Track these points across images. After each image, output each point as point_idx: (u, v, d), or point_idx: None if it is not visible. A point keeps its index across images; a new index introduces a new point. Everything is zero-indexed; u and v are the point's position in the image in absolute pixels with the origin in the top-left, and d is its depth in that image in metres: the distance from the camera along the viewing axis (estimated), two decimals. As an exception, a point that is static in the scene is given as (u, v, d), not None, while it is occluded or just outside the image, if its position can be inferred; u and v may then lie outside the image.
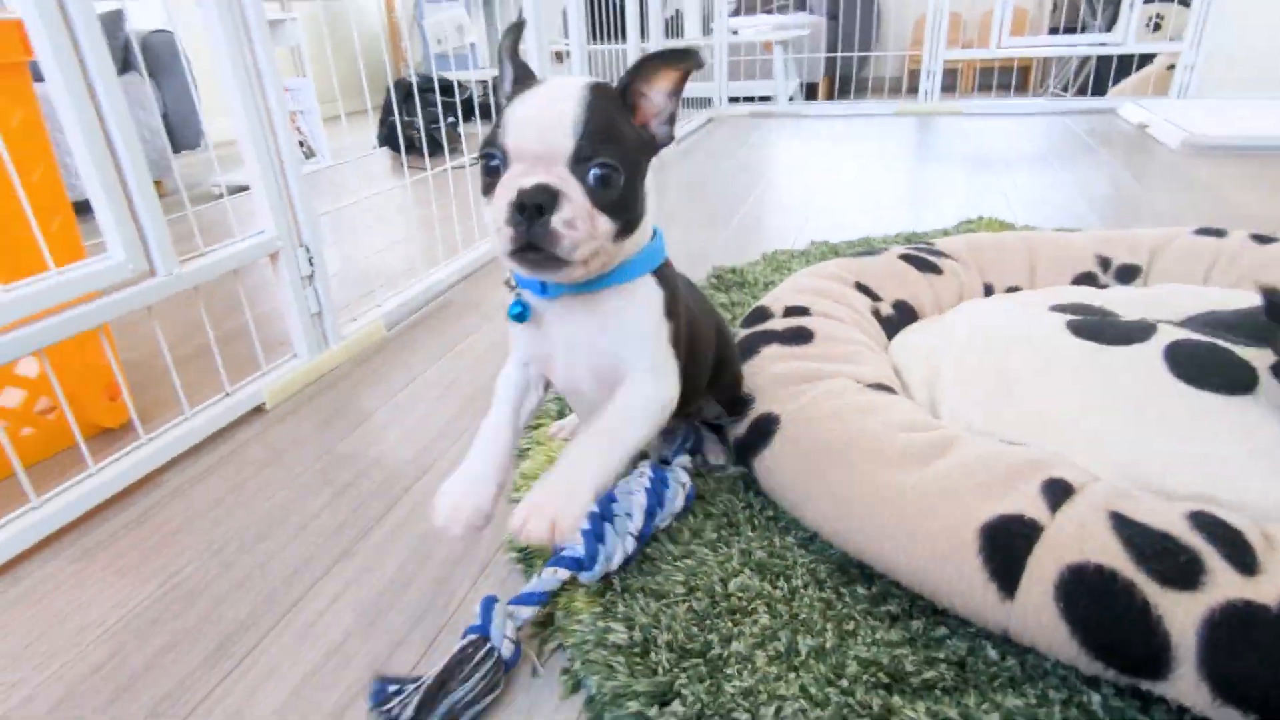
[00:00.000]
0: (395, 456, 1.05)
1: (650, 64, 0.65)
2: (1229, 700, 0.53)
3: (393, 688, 0.65)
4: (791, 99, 4.33)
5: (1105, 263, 1.25)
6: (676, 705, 0.61)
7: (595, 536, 0.74)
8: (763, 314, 1.09)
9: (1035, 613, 0.60)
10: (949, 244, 1.31)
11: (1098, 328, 0.89)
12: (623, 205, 0.63)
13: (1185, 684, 0.55)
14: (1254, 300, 0.82)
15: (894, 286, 1.18)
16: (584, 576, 0.74)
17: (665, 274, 0.73)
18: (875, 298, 1.16)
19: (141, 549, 0.89)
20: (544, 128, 0.61)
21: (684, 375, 0.73)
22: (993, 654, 0.64)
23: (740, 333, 1.06)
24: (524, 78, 0.68)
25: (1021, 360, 0.88)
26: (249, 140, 1.14)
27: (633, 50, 2.99)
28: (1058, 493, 0.67)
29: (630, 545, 0.75)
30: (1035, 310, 0.98)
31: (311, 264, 1.25)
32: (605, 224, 0.62)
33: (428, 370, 1.30)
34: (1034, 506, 0.66)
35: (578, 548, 0.73)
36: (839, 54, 4.56)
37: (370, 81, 1.68)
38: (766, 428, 0.85)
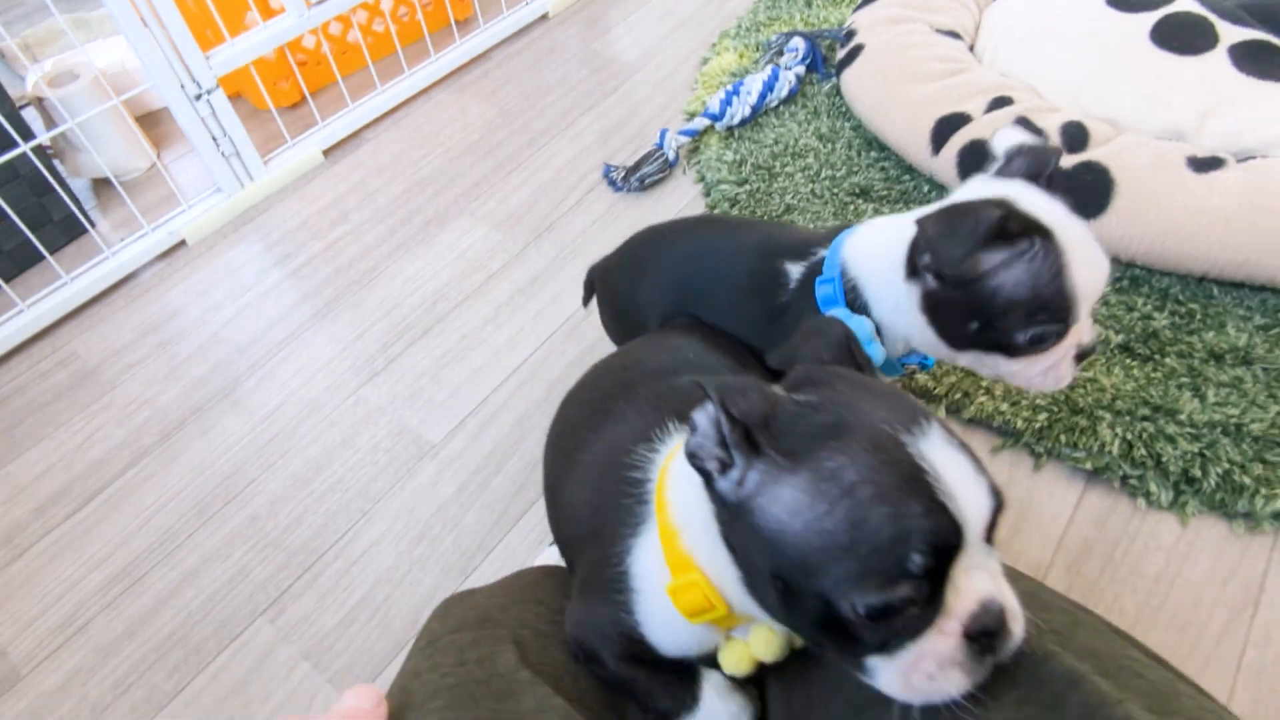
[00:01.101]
0: (627, 55, 1.62)
1: None
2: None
3: (612, 168, 1.30)
4: None
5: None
6: (745, 189, 1.21)
7: (726, 103, 1.29)
8: (897, -30, 1.43)
9: (946, 163, 1.09)
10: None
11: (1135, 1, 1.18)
12: None
13: (999, 201, 1.04)
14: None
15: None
16: (718, 126, 1.31)
17: None
18: (1001, -38, 1.43)
19: (485, 91, 1.58)
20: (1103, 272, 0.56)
21: None
22: (925, 188, 1.15)
23: (874, -15, 1.43)
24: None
25: (1055, 20, 1.21)
26: None
27: None
28: (998, 103, 1.10)
29: (747, 111, 1.29)
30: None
31: (582, -95, 1.72)
32: None
33: (656, -2, 1.80)
34: (977, 109, 1.10)
35: (716, 109, 1.29)
36: None
37: None
38: (855, 52, 1.29)
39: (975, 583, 0.37)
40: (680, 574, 0.43)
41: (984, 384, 0.93)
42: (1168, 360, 0.91)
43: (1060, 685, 0.36)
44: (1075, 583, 0.79)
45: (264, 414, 1.07)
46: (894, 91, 1.19)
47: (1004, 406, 0.90)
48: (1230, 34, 1.08)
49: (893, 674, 0.37)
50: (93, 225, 1.36)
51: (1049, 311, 0.55)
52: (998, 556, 0.39)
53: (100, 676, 0.84)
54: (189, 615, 0.88)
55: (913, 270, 0.62)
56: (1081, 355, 0.60)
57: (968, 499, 0.36)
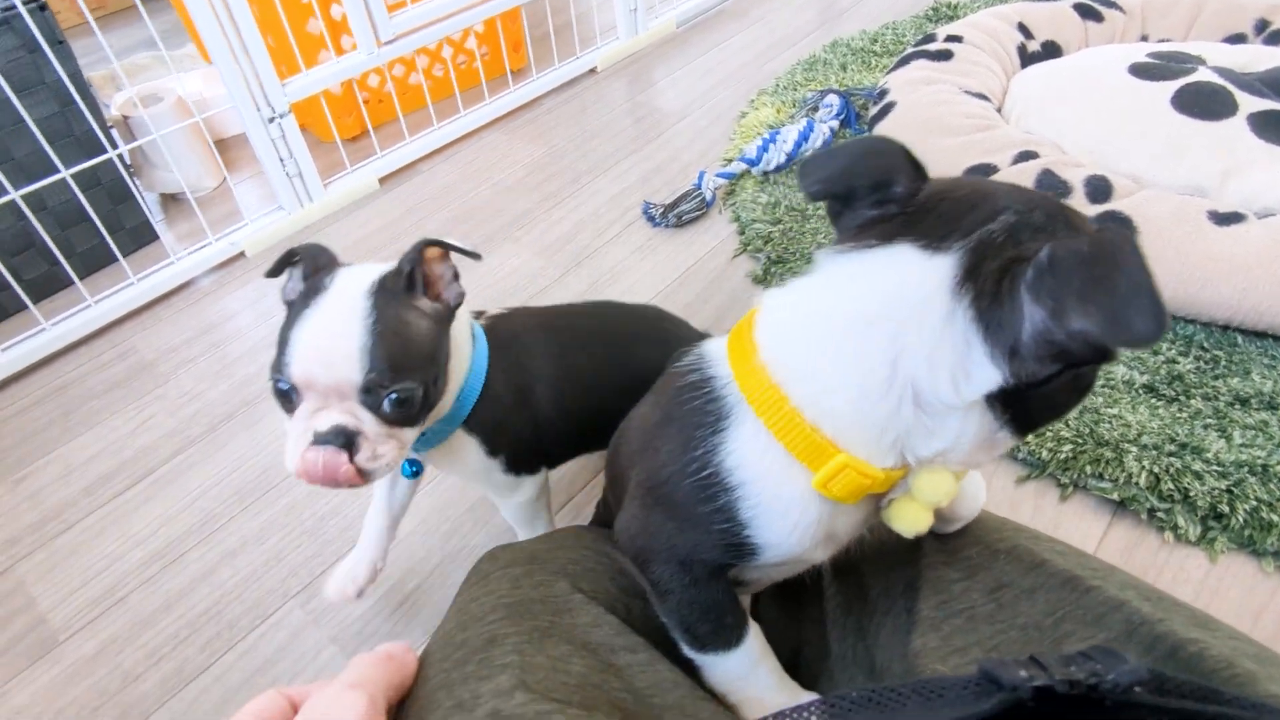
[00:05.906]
0: (669, 107, 1.71)
1: (430, 245, 0.65)
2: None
3: (651, 205, 1.37)
4: None
5: (1262, 25, 1.45)
6: (779, 228, 1.26)
7: (763, 150, 1.36)
8: (929, 39, 1.52)
9: (974, 210, 1.14)
10: (1132, -3, 1.57)
11: (1149, 69, 1.24)
12: (425, 408, 0.61)
13: (1026, 246, 1.08)
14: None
15: (1050, 29, 1.52)
16: (754, 170, 1.37)
17: (478, 417, 0.69)
18: (1029, 35, 1.52)
19: (534, 133, 1.67)
20: (331, 363, 0.56)
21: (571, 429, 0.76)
22: (953, 234, 1.19)
23: (907, 50, 1.52)
24: (317, 269, 0.63)
25: (1080, 85, 1.28)
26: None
27: None
28: (1024, 156, 1.15)
29: (782, 159, 1.36)
30: (1126, 54, 1.32)
31: (634, -28, 1.84)
32: (408, 434, 0.61)
33: (698, 58, 1.90)
34: (1004, 161, 1.15)
35: (753, 154, 1.36)
36: None
37: None
38: (888, 109, 1.36)
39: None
40: (819, 463, 0.40)
41: (1009, 415, 0.95)
42: (1193, 402, 0.93)
43: (1102, 609, 0.38)
44: (1099, 609, 0.80)
45: (308, 413, 1.11)
46: (925, 143, 1.25)
47: (1029, 439, 0.92)
48: (1249, 103, 1.14)
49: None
50: (158, 236, 1.44)
51: (278, 363, 0.58)
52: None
53: (135, 647, 0.86)
54: (224, 594, 0.91)
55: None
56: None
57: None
